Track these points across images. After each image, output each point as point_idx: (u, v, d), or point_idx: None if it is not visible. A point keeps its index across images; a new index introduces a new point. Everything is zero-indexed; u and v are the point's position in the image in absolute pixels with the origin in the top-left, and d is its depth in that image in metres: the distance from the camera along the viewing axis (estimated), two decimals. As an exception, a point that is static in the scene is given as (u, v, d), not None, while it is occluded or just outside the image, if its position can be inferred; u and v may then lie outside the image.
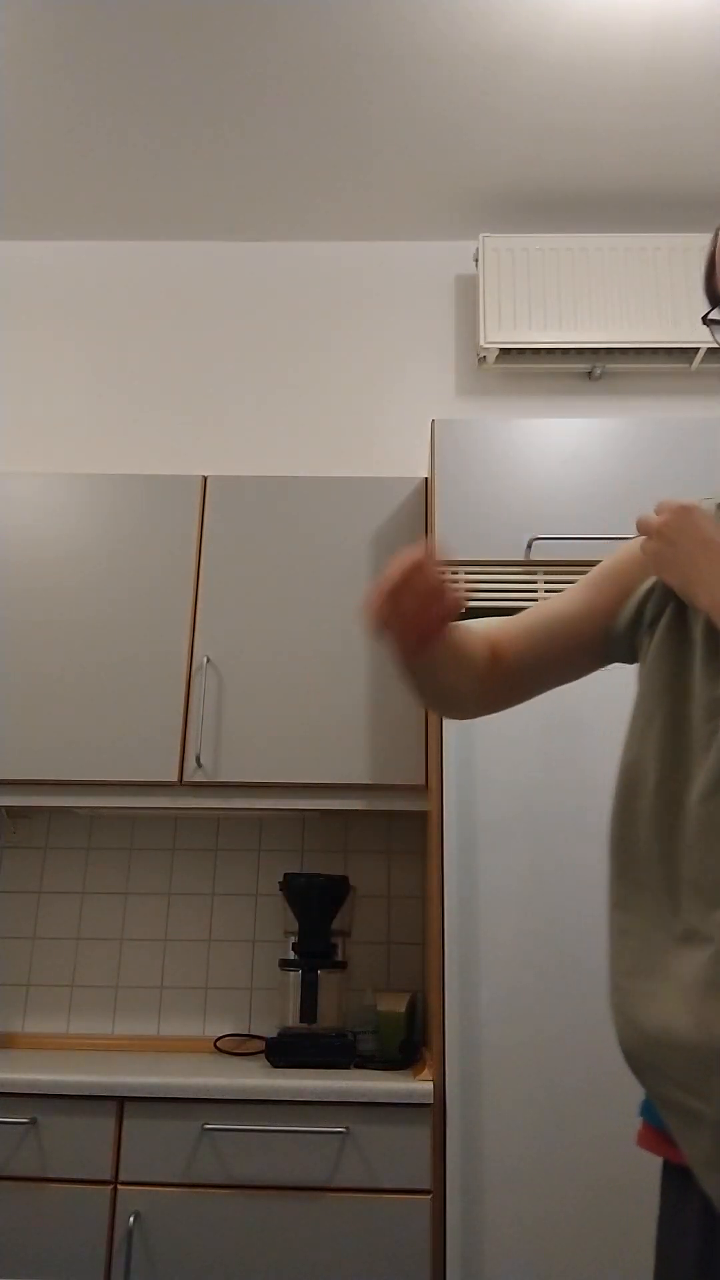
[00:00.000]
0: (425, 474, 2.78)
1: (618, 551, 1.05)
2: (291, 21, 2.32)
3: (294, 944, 2.12)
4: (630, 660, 1.03)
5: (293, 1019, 2.07)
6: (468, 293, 3.02)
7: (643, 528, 0.90)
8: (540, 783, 1.87)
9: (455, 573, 2.10)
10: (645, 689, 0.94)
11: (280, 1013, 2.12)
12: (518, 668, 1.04)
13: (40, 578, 2.35)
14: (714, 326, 0.99)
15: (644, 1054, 0.81)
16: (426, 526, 2.37)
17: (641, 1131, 0.88)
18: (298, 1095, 1.75)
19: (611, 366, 2.84)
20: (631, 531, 2.07)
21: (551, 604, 1.05)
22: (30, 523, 2.40)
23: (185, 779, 2.18)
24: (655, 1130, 0.86)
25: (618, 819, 0.92)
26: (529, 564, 2.09)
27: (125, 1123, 1.77)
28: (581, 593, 1.04)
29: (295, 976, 2.09)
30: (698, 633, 0.90)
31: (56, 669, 2.28)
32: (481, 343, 2.76)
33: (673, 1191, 0.83)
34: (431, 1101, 1.74)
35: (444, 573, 0.88)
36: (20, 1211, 1.73)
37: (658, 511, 0.90)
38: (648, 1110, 0.87)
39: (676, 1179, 0.82)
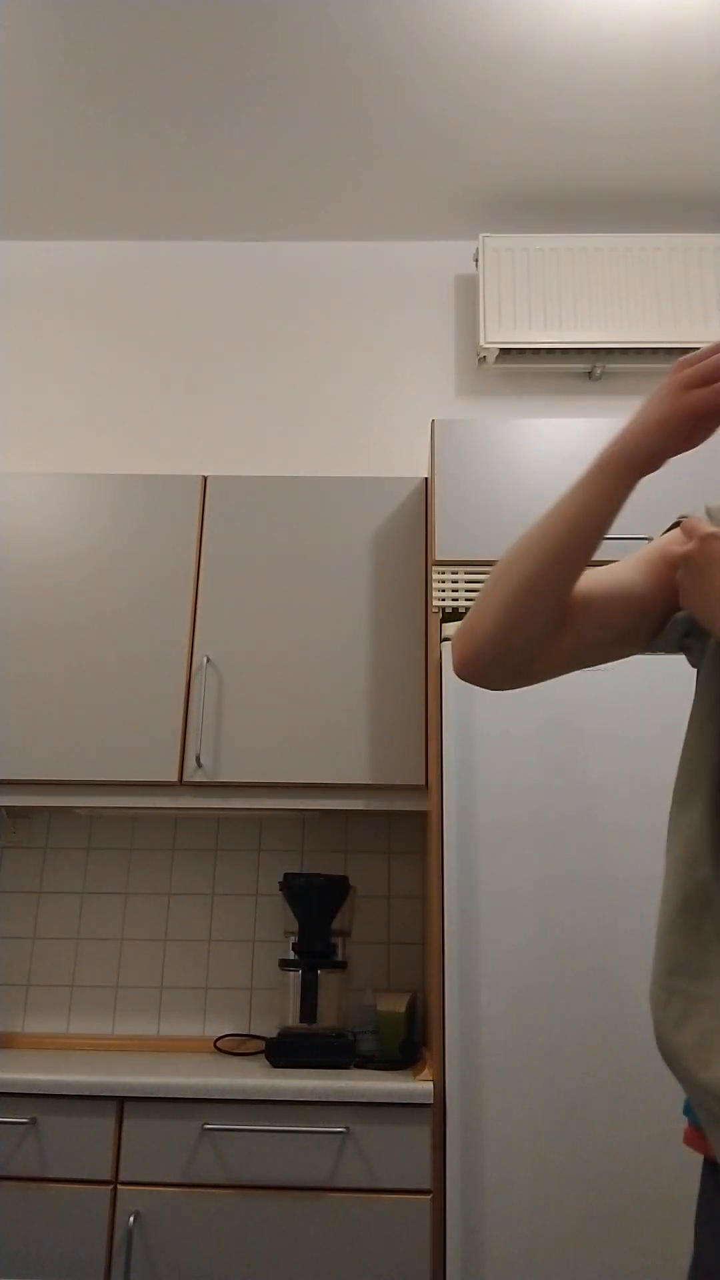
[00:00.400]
0: (425, 474, 2.79)
1: (660, 541, 1.01)
2: (291, 21, 2.32)
3: (294, 944, 2.12)
4: (673, 652, 1.01)
5: (293, 1019, 2.07)
6: (468, 293, 3.02)
7: (670, 555, 0.90)
8: (540, 783, 1.87)
9: (455, 573, 2.10)
10: (702, 691, 0.94)
11: (280, 1013, 2.12)
12: (586, 622, 0.97)
13: (40, 578, 2.35)
14: None
15: (676, 1056, 0.83)
16: (426, 526, 2.37)
17: (687, 1130, 0.90)
18: (298, 1095, 1.75)
19: (611, 366, 2.84)
20: (631, 531, 2.07)
21: (616, 574, 0.99)
22: (30, 523, 2.40)
23: (185, 779, 2.18)
24: (695, 1129, 0.88)
25: (675, 816, 0.91)
26: (529, 564, 2.08)
27: (125, 1123, 1.77)
28: (639, 570, 0.99)
29: (295, 976, 2.09)
30: None
31: (57, 669, 2.28)
32: (481, 343, 2.76)
33: (710, 1183, 0.86)
34: (431, 1102, 1.74)
35: None
36: (20, 1211, 1.73)
37: (684, 533, 0.88)
38: (690, 1110, 0.89)
39: (714, 1172, 0.86)
